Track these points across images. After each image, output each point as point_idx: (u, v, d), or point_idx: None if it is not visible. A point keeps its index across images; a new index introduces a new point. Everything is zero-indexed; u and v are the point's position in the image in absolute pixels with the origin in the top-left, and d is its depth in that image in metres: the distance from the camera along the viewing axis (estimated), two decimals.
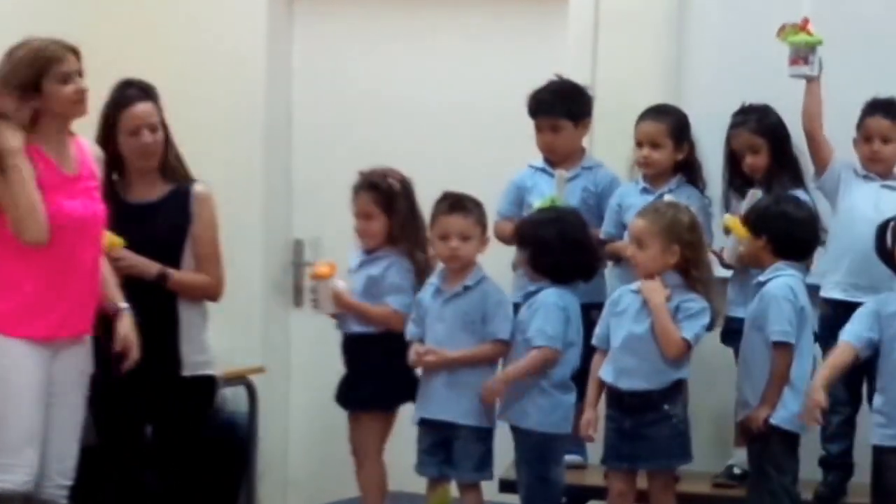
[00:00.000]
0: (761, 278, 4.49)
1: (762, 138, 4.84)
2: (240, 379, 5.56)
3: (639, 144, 4.96)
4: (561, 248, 4.54)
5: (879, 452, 4.38)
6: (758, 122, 4.85)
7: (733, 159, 4.93)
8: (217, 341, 5.67)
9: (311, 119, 5.98)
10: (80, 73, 4.29)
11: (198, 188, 4.76)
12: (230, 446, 5.57)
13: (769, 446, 4.45)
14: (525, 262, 4.62)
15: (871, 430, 4.42)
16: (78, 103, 4.28)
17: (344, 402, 4.91)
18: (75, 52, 4.30)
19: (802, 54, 4.67)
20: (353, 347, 4.91)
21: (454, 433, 4.64)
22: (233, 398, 5.70)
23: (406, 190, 4.86)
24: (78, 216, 4.27)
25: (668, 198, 4.76)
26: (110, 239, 4.48)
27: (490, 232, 4.83)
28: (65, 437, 4.34)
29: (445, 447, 4.66)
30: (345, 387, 4.91)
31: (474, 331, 4.63)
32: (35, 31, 4.37)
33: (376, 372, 4.81)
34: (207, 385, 4.78)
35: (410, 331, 4.72)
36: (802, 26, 4.65)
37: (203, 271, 4.73)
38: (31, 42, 4.27)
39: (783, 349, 4.41)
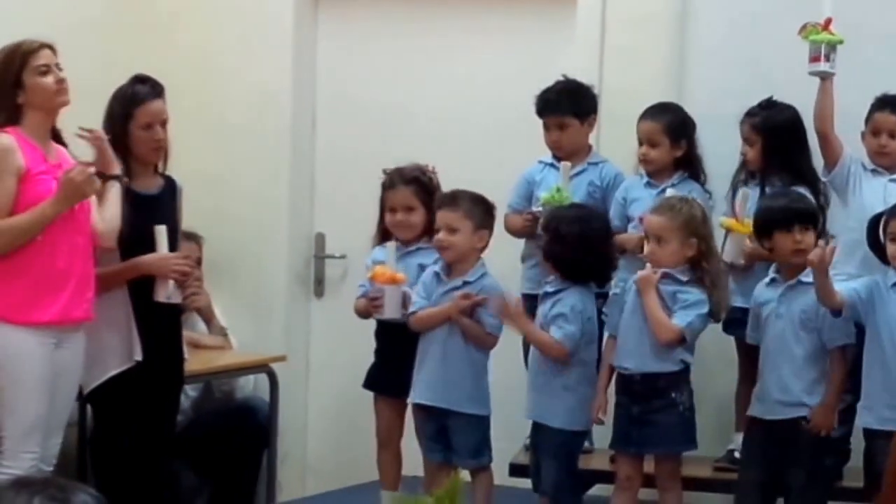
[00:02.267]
0: (804, 279, 4.48)
1: (758, 135, 4.91)
2: (262, 367, 5.64)
3: (640, 142, 5.05)
4: (580, 247, 4.58)
5: (870, 436, 4.47)
6: (763, 118, 4.91)
7: None
8: (241, 330, 5.88)
9: (333, 122, 6.07)
10: (58, 66, 4.39)
11: (178, 181, 4.87)
12: (252, 431, 5.65)
13: (822, 453, 4.54)
14: (542, 253, 4.66)
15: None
16: (59, 93, 4.37)
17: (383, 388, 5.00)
18: (51, 47, 4.39)
19: (825, 52, 4.68)
20: (385, 336, 4.98)
21: (449, 420, 4.70)
22: (255, 385, 5.84)
23: (439, 185, 4.94)
24: None
25: (670, 192, 4.85)
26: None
27: (497, 232, 4.88)
28: (55, 425, 4.42)
29: (446, 434, 4.74)
30: (380, 373, 5.01)
31: None
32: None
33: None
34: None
35: (419, 304, 4.77)
36: (825, 26, 4.68)
37: None
38: (5, 46, 4.39)
39: (845, 351, 4.49)
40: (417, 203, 4.89)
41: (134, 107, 4.67)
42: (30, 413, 4.31)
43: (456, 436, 4.71)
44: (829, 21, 4.66)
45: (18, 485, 2.18)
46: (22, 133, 4.35)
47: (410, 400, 4.80)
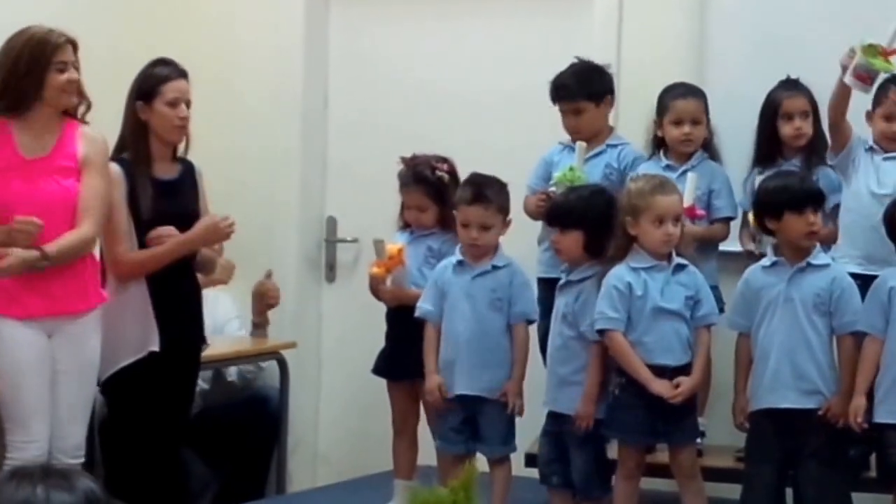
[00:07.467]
0: (813, 261, 4.41)
1: (812, 109, 4.85)
2: (272, 354, 5.62)
3: (677, 123, 4.94)
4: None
5: (881, 429, 4.38)
6: (810, 94, 4.85)
7: (772, 128, 4.89)
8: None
9: (346, 102, 6.03)
10: (75, 65, 4.35)
11: (197, 165, 4.83)
12: (262, 420, 5.62)
13: (844, 442, 4.46)
14: (581, 245, 4.52)
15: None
16: (66, 93, 4.34)
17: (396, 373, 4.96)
18: (73, 43, 4.36)
19: (873, 74, 4.58)
20: (397, 319, 4.95)
21: (480, 408, 4.67)
22: (265, 373, 5.78)
23: (453, 177, 4.92)
24: (37, 197, 4.29)
25: (691, 174, 4.78)
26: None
27: (513, 213, 4.80)
28: (70, 417, 4.37)
29: (472, 423, 4.70)
30: (392, 358, 4.97)
31: (500, 308, 4.64)
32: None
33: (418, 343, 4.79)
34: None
35: (425, 309, 4.72)
36: (885, 52, 4.54)
37: None
38: (31, 29, 4.33)
39: (856, 338, 4.39)
40: (429, 203, 4.92)
41: (160, 84, 4.65)
42: (28, 402, 4.28)
43: (486, 424, 4.67)
44: (894, 51, 4.56)
45: (18, 476, 2.15)
46: (9, 124, 4.30)
47: (452, 394, 4.70)
